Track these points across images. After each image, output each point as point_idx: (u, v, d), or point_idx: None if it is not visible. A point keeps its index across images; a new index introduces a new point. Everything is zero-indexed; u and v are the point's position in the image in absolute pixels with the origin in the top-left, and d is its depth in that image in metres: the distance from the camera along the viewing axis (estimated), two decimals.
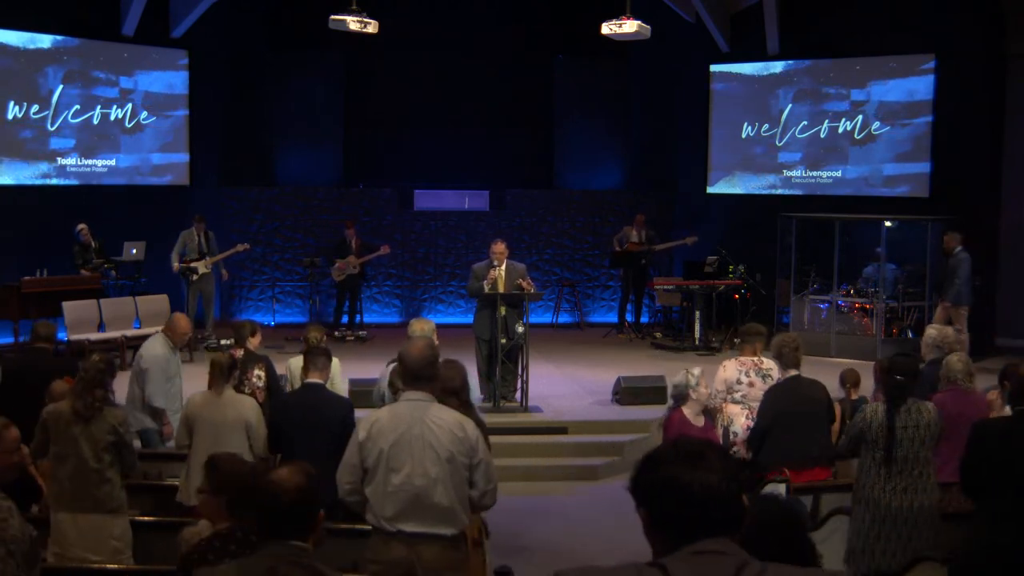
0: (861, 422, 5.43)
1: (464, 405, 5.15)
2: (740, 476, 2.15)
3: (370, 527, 4.36)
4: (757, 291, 13.86)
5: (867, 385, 7.75)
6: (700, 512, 2.06)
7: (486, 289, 9.49)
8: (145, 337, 8.49)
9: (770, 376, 7.20)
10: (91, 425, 5.46)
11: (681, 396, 6.45)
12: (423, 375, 4.33)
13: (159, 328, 8.02)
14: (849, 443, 5.57)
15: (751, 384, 7.24)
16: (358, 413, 6.17)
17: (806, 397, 6.49)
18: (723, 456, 2.15)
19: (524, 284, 9.54)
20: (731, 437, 7.14)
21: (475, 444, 4.24)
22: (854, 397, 7.50)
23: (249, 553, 3.58)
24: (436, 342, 6.52)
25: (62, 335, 11.71)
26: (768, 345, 7.39)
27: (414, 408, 4.26)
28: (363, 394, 7.83)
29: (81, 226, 12.44)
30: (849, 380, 7.64)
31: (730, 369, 7.30)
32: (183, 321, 7.73)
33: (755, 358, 7.34)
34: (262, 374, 7.22)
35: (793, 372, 6.57)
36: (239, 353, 7.22)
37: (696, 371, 6.56)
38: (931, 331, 7.12)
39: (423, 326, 6.97)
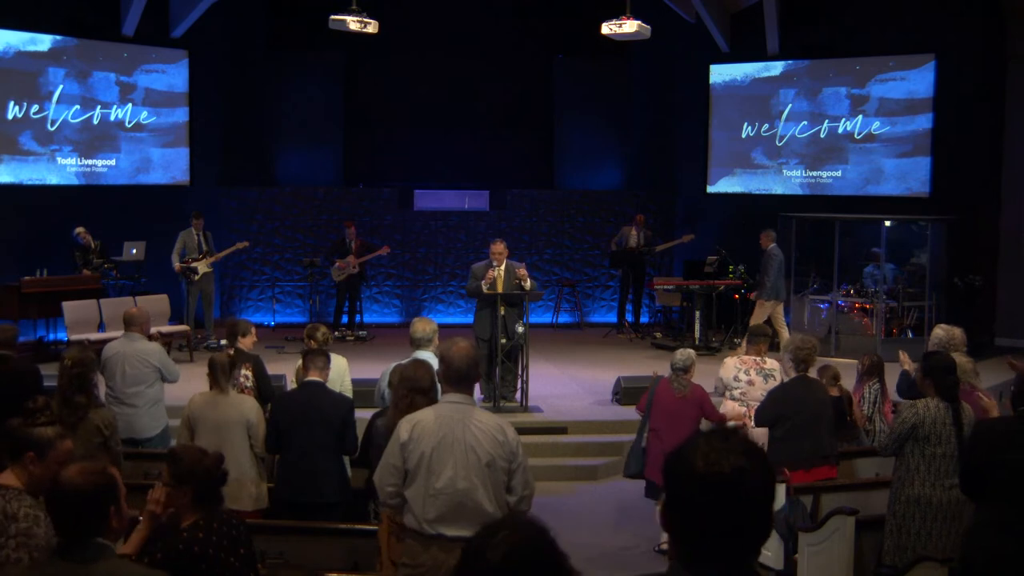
0: (914, 417, 5.32)
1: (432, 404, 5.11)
2: (767, 500, 1.94)
3: (376, 528, 4.33)
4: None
5: (847, 382, 7.79)
6: (711, 528, 1.91)
7: (484, 289, 9.47)
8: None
9: (772, 376, 7.32)
10: (77, 430, 5.38)
11: (685, 368, 7.08)
12: (468, 376, 4.26)
13: (155, 329, 7.92)
14: (896, 442, 5.41)
15: (751, 383, 7.34)
16: (358, 413, 6.17)
17: (815, 398, 6.59)
18: (757, 474, 1.92)
19: (521, 272, 9.52)
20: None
21: (515, 449, 4.21)
22: (835, 394, 7.50)
23: (227, 544, 3.57)
24: (436, 342, 6.53)
25: (62, 335, 11.74)
26: (771, 347, 7.51)
27: (456, 410, 4.20)
28: (363, 394, 7.82)
29: (79, 229, 12.41)
30: (827, 376, 7.62)
31: (728, 367, 7.50)
32: (140, 312, 7.67)
33: (757, 358, 7.42)
34: (249, 374, 7.18)
35: (801, 373, 6.61)
36: (231, 352, 7.21)
37: (691, 352, 7.30)
38: (939, 331, 7.06)
39: (426, 326, 6.92)
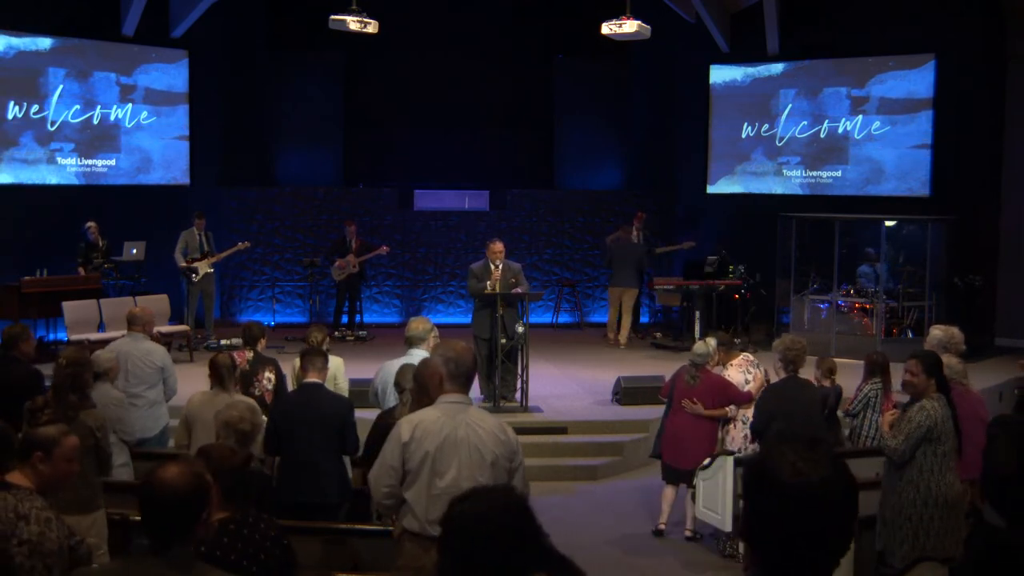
0: (928, 420, 5.28)
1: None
2: (851, 510, 1.93)
3: (376, 528, 4.31)
4: (757, 291, 13.86)
5: (849, 384, 7.78)
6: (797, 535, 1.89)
7: (489, 289, 9.48)
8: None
9: (758, 365, 7.67)
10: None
11: (698, 366, 7.28)
12: (470, 376, 4.29)
13: (156, 329, 7.90)
14: (913, 446, 5.32)
15: (755, 378, 7.47)
16: (358, 413, 6.17)
17: (806, 398, 6.63)
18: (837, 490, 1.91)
19: (516, 280, 9.60)
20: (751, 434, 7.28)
21: (515, 448, 4.24)
22: (826, 384, 7.50)
23: (242, 547, 3.55)
24: (437, 340, 6.54)
25: (62, 335, 11.74)
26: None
27: (457, 410, 4.20)
28: (363, 394, 7.82)
29: (90, 224, 12.41)
30: (823, 368, 7.63)
31: (734, 374, 7.57)
32: (143, 311, 7.57)
33: (740, 357, 7.73)
34: (272, 376, 7.22)
35: (791, 373, 6.63)
36: (248, 355, 7.23)
37: (712, 343, 7.49)
38: (936, 331, 7.05)
39: (419, 325, 6.96)
